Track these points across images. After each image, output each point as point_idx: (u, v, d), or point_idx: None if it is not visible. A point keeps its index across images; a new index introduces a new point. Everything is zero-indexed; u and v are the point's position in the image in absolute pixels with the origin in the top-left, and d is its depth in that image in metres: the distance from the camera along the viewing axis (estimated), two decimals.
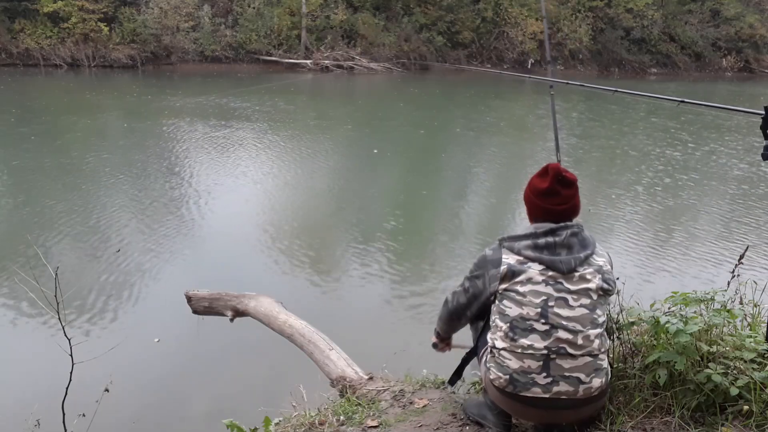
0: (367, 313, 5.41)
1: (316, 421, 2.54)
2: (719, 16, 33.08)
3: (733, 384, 2.11)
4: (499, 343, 2.11)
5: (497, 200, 9.27)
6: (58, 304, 2.50)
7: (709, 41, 32.85)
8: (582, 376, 2.03)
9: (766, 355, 2.22)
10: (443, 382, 2.78)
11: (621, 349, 2.44)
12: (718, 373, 2.12)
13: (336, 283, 5.99)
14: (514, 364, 2.07)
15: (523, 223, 2.26)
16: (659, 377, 2.21)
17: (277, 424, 2.60)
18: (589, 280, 2.07)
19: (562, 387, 2.03)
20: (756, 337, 2.34)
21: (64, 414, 2.55)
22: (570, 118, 16.08)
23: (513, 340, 2.07)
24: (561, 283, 2.06)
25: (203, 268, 6.18)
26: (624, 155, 12.36)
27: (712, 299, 2.34)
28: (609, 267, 2.16)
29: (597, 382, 2.05)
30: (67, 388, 2.56)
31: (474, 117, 16.74)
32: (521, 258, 2.10)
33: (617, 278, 2.28)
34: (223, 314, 3.89)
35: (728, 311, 2.34)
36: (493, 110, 18.23)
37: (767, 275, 5.77)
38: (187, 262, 6.36)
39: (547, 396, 2.03)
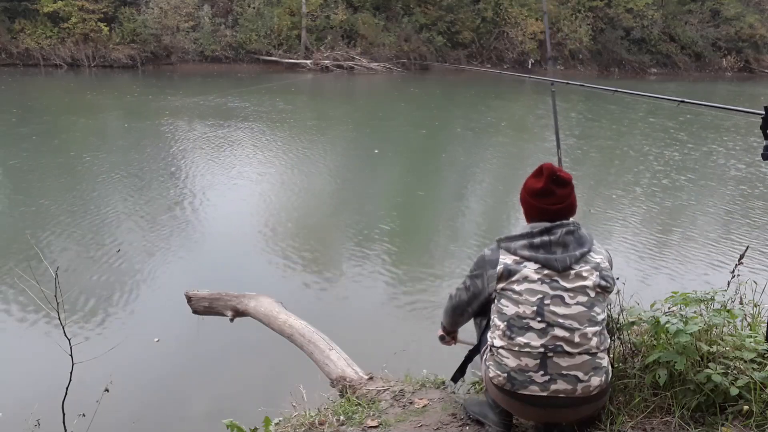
0: (367, 313, 5.41)
1: (316, 421, 2.54)
2: (719, 16, 33.09)
3: (733, 384, 2.12)
4: (498, 342, 2.12)
5: (497, 200, 9.27)
6: (58, 304, 2.50)
7: (709, 41, 32.86)
8: (580, 375, 2.03)
9: (766, 355, 2.22)
10: (443, 382, 2.79)
11: (621, 349, 2.44)
12: (718, 373, 2.13)
13: (336, 283, 5.99)
14: (511, 362, 2.08)
15: (522, 223, 2.27)
16: (659, 377, 2.21)
17: (277, 424, 2.60)
18: (585, 278, 2.08)
19: (560, 385, 2.03)
20: (756, 337, 2.34)
21: (64, 414, 2.55)
22: (569, 118, 16.08)
23: (510, 338, 2.08)
24: (557, 281, 2.06)
25: (203, 268, 6.18)
26: (623, 155, 12.36)
27: (712, 299, 2.34)
28: (607, 264, 2.16)
29: (596, 380, 2.05)
30: (67, 388, 2.56)
31: (474, 117, 16.74)
32: (517, 258, 2.12)
33: (617, 278, 2.28)
34: (223, 314, 3.89)
35: (728, 311, 2.34)
36: (494, 110, 18.23)
37: (767, 275, 5.77)
38: (187, 262, 6.36)
39: (544, 394, 2.04)
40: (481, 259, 2.22)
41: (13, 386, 4.12)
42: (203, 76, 23.30)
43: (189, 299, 3.98)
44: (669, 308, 2.41)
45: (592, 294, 2.08)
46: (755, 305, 2.63)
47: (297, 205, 8.58)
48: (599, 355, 2.07)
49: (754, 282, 2.74)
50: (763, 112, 2.04)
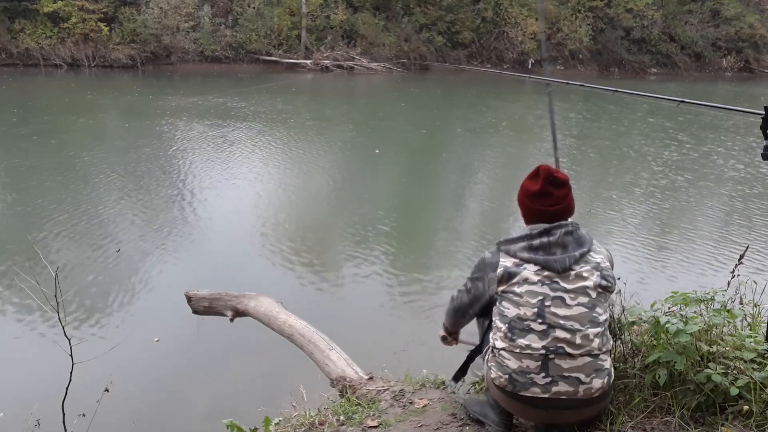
0: (367, 313, 5.41)
1: (316, 421, 2.54)
2: (719, 16, 33.08)
3: (733, 384, 2.12)
4: (499, 343, 2.12)
5: (498, 201, 9.26)
6: (58, 304, 2.50)
7: (709, 41, 32.85)
8: (582, 377, 2.03)
9: (766, 355, 2.22)
10: (443, 382, 2.79)
11: (621, 349, 2.44)
12: (718, 373, 2.13)
13: (336, 283, 5.99)
14: (513, 364, 2.08)
15: (521, 225, 2.27)
16: (659, 377, 2.21)
17: (277, 424, 2.60)
18: (585, 278, 2.07)
19: (562, 387, 2.02)
20: (756, 337, 2.34)
21: (64, 414, 2.55)
22: (569, 119, 16.08)
23: (511, 340, 2.08)
24: (557, 283, 2.06)
25: (203, 268, 6.18)
26: (623, 155, 12.36)
27: (712, 299, 2.34)
28: (608, 263, 2.15)
29: (598, 382, 2.04)
30: (67, 388, 2.57)
31: (475, 117, 16.74)
32: (517, 260, 2.11)
33: (618, 278, 2.28)
34: (223, 314, 3.89)
35: (728, 311, 2.34)
36: (494, 110, 18.22)
37: (767, 275, 5.77)
38: (187, 262, 6.36)
39: (546, 396, 2.03)
40: (481, 261, 2.22)
41: (13, 386, 4.11)
42: (203, 76, 23.30)
43: (189, 299, 3.99)
44: (669, 308, 2.41)
45: (593, 294, 2.07)
46: (755, 305, 2.63)
47: (297, 205, 8.58)
48: (601, 356, 2.06)
49: (754, 282, 2.74)
50: (763, 112, 2.04)
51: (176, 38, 25.13)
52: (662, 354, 2.23)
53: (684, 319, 2.22)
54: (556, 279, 2.07)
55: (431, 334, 2.61)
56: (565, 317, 2.03)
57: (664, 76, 31.26)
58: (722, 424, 2.11)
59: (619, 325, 2.40)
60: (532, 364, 2.04)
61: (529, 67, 29.12)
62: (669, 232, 7.73)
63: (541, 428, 2.21)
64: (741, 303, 2.63)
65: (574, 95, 19.36)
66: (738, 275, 2.66)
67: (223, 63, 25.61)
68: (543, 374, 2.03)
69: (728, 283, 2.65)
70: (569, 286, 2.06)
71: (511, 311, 2.09)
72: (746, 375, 2.13)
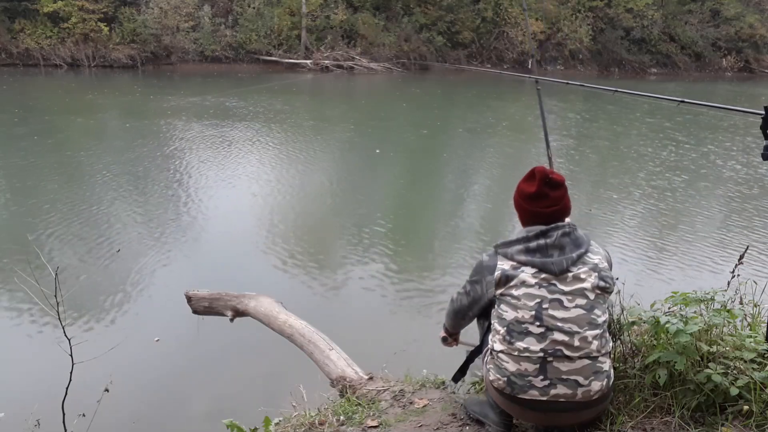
0: (367, 313, 5.41)
1: (316, 421, 2.54)
2: (719, 16, 33.07)
3: (733, 384, 2.11)
4: (498, 346, 2.13)
5: (498, 201, 9.26)
6: (58, 304, 2.50)
7: (709, 41, 32.84)
8: (580, 379, 2.02)
9: (766, 355, 2.22)
10: (443, 382, 2.79)
11: (621, 349, 2.44)
12: (718, 373, 2.13)
13: (336, 283, 5.99)
14: (511, 366, 2.08)
15: (520, 227, 2.27)
16: (659, 377, 2.21)
17: (277, 424, 2.60)
18: (583, 280, 2.07)
19: (560, 390, 2.02)
20: (756, 337, 2.34)
21: (64, 414, 2.55)
22: (568, 119, 16.09)
23: (510, 343, 2.08)
24: (554, 285, 2.06)
25: (203, 268, 6.18)
26: (623, 156, 12.36)
27: (712, 299, 2.34)
28: (606, 264, 2.15)
29: (597, 385, 2.04)
30: (67, 388, 2.56)
31: (476, 117, 16.74)
32: (514, 263, 2.11)
33: (617, 278, 2.28)
34: (223, 314, 3.89)
35: (728, 311, 2.34)
36: (494, 111, 18.22)
37: (767, 275, 5.77)
38: (187, 262, 6.36)
39: (544, 399, 2.04)
40: (479, 264, 2.22)
41: (13, 386, 4.11)
42: (203, 76, 23.30)
43: (189, 299, 3.99)
44: (669, 308, 2.41)
45: (592, 296, 2.07)
46: (755, 305, 2.63)
47: (297, 204, 8.58)
48: (600, 359, 2.06)
49: (754, 282, 2.74)
50: (763, 112, 2.04)
51: (176, 38, 25.12)
52: (662, 354, 2.22)
53: (684, 319, 2.22)
54: (554, 281, 2.06)
55: (431, 334, 2.61)
56: (563, 319, 2.03)
57: (664, 76, 31.25)
58: (722, 424, 2.11)
59: (618, 326, 2.40)
60: (531, 367, 2.04)
61: (529, 66, 29.09)
62: (669, 232, 7.73)
63: (540, 430, 2.21)
64: (741, 303, 2.63)
65: (573, 95, 19.35)
66: (738, 275, 2.66)
67: (223, 63, 25.61)
68: (541, 377, 2.03)
69: (728, 283, 2.65)
70: (567, 288, 2.06)
71: (509, 314, 2.09)
72: (746, 375, 2.13)
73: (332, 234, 7.47)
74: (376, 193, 9.46)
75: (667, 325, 2.19)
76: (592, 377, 2.04)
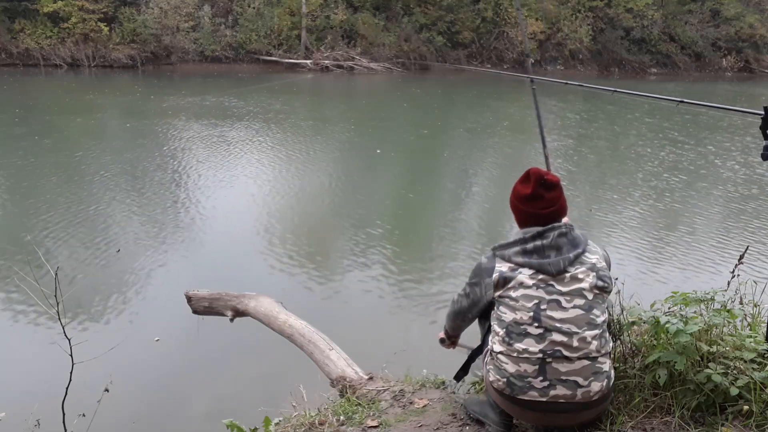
0: (367, 313, 5.41)
1: (316, 421, 2.54)
2: (719, 16, 33.07)
3: (733, 384, 2.11)
4: (497, 347, 2.13)
5: (499, 201, 9.25)
6: (58, 304, 2.50)
7: (709, 41, 32.84)
8: (580, 380, 2.02)
9: (766, 355, 2.22)
10: (443, 382, 2.79)
11: (621, 349, 2.44)
12: (718, 373, 2.12)
13: (336, 283, 5.99)
14: (510, 367, 2.08)
15: (517, 228, 2.27)
16: (659, 377, 2.21)
17: (277, 424, 2.60)
18: (581, 280, 2.07)
19: (560, 391, 2.02)
20: (756, 337, 2.34)
21: (64, 414, 2.55)
22: (567, 119, 16.09)
23: (509, 344, 2.08)
24: (552, 286, 2.06)
25: (203, 268, 6.18)
26: (622, 156, 12.36)
27: (712, 299, 2.34)
28: (604, 264, 2.15)
29: (596, 386, 2.04)
30: (67, 388, 2.56)
31: (476, 117, 16.74)
32: (512, 264, 2.12)
33: (616, 278, 2.28)
34: (223, 314, 3.89)
35: (728, 311, 2.34)
36: (495, 111, 18.22)
37: (767, 275, 5.77)
38: (187, 262, 6.36)
39: (544, 400, 2.04)
40: (478, 267, 2.23)
41: (13, 386, 4.11)
42: (203, 76, 23.30)
43: (189, 299, 3.99)
44: (669, 308, 2.41)
45: (590, 296, 2.07)
46: (755, 305, 2.63)
47: (297, 204, 8.58)
48: (600, 359, 2.06)
49: (754, 282, 2.73)
50: (763, 113, 2.04)
51: (176, 38, 25.13)
52: (662, 354, 2.22)
53: (684, 319, 2.22)
54: (551, 282, 2.06)
55: (431, 334, 2.61)
56: (561, 320, 2.03)
57: (664, 76, 31.25)
58: (722, 424, 2.11)
59: (618, 326, 2.40)
60: (530, 368, 2.04)
61: (525, 66, 29.09)
62: (668, 232, 7.73)
63: (540, 430, 2.22)
64: (741, 303, 2.63)
65: (572, 95, 19.35)
66: (738, 275, 2.66)
67: (223, 63, 25.61)
68: (540, 378, 2.03)
69: (728, 283, 2.65)
70: (564, 289, 2.06)
71: (508, 316, 2.09)
72: (746, 375, 2.13)
73: (332, 234, 7.47)
74: (377, 193, 9.46)
75: (667, 325, 2.19)
76: (592, 378, 2.04)
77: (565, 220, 2.21)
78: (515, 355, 2.06)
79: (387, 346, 4.37)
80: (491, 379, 2.15)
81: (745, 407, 2.11)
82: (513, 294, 2.09)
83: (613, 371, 2.14)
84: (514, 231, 2.23)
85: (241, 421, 2.43)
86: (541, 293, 2.05)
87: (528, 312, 2.05)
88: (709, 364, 2.17)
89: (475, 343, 2.47)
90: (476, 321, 2.45)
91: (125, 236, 6.93)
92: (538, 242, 2.10)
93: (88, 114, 15.07)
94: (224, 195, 8.74)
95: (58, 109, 15.98)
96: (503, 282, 2.11)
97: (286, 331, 3.41)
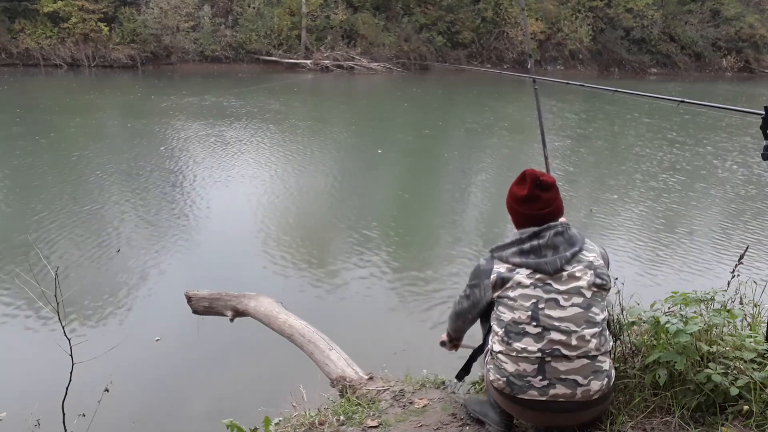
0: (367, 313, 5.41)
1: (316, 421, 2.54)
2: (719, 16, 33.07)
3: (733, 384, 2.11)
4: (497, 347, 2.14)
5: (499, 202, 9.25)
6: (58, 304, 2.50)
7: (709, 41, 32.84)
8: (579, 379, 2.02)
9: (766, 355, 2.22)
10: (443, 382, 2.79)
11: (621, 349, 2.44)
12: (718, 373, 2.12)
13: (336, 283, 5.99)
14: (510, 367, 2.08)
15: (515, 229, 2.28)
16: (659, 377, 2.21)
17: (277, 424, 2.60)
18: (579, 278, 2.07)
19: (559, 390, 2.02)
20: (756, 337, 2.34)
21: (64, 414, 2.55)
22: (567, 119, 16.08)
23: (508, 344, 2.09)
24: (549, 285, 2.06)
25: (203, 268, 6.18)
26: (622, 156, 12.36)
27: (712, 299, 2.34)
28: (602, 261, 2.15)
29: (596, 384, 2.04)
30: (67, 388, 2.57)
31: (477, 118, 16.74)
32: (510, 265, 2.13)
33: (616, 278, 2.28)
34: (223, 314, 3.89)
35: (728, 311, 2.34)
36: (495, 111, 18.22)
37: (767, 275, 5.77)
38: (187, 262, 6.36)
39: (543, 399, 2.04)
40: (477, 269, 2.25)
41: (13, 386, 4.11)
42: (203, 76, 23.31)
43: (189, 299, 3.99)
44: (669, 308, 2.41)
45: (588, 294, 2.07)
46: (755, 305, 2.63)
47: (298, 205, 8.58)
48: (599, 358, 2.05)
49: (754, 282, 2.74)
50: (763, 112, 2.04)
51: (176, 38, 25.13)
52: (662, 354, 2.22)
53: (684, 319, 2.22)
54: (549, 281, 2.07)
55: (431, 334, 2.62)
56: (559, 319, 2.03)
57: (664, 76, 31.25)
58: (722, 424, 2.11)
59: (618, 326, 2.40)
60: (529, 368, 2.04)
61: (529, 66, 29.07)
62: (669, 232, 7.73)
63: (541, 429, 2.22)
64: (741, 303, 2.63)
65: (572, 95, 19.34)
66: (738, 275, 2.66)
67: (223, 63, 25.61)
68: (540, 377, 2.03)
69: (728, 283, 2.65)
70: (562, 288, 2.06)
71: (507, 315, 2.10)
72: (746, 375, 2.13)
73: (333, 234, 7.47)
74: (378, 193, 9.46)
75: (667, 325, 2.19)
76: (591, 377, 2.04)
77: (561, 220, 2.21)
78: (514, 354, 2.07)
79: (387, 346, 4.37)
80: (491, 378, 2.16)
81: (745, 407, 2.11)
82: (511, 294, 2.09)
83: (613, 370, 2.14)
84: (512, 232, 2.23)
85: (241, 421, 2.43)
86: (538, 292, 2.06)
87: (526, 311, 2.06)
88: (709, 364, 2.17)
89: (478, 343, 2.47)
90: (478, 321, 2.45)
91: (125, 236, 6.93)
92: (535, 242, 2.11)
93: (89, 114, 15.07)
94: (225, 195, 8.74)
95: (58, 109, 15.98)
96: (501, 282, 2.12)
97: (286, 331, 3.41)
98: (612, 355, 2.26)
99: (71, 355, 2.55)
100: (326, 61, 26.46)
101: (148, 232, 7.11)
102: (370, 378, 2.92)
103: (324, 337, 3.28)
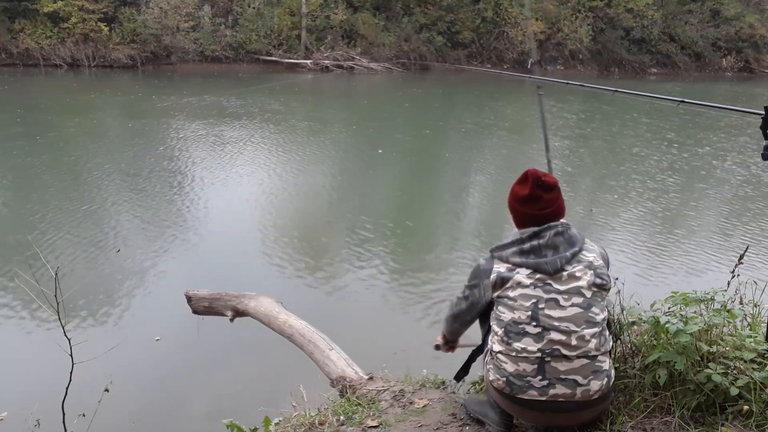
0: (367, 313, 5.41)
1: (316, 421, 2.54)
2: (719, 16, 33.06)
3: (733, 384, 2.11)
4: (496, 347, 2.13)
5: (501, 202, 9.26)
6: (58, 304, 2.50)
7: (709, 41, 32.83)
8: (579, 379, 2.02)
9: (766, 355, 2.22)
10: (443, 382, 2.79)
11: (621, 349, 2.44)
12: (718, 373, 2.12)
13: (336, 283, 5.99)
14: (510, 367, 2.08)
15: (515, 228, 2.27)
16: (659, 377, 2.21)
17: (277, 424, 2.60)
18: (579, 278, 2.07)
19: (559, 390, 2.02)
20: (756, 337, 2.34)
21: (64, 414, 2.55)
22: (566, 119, 16.07)
23: (508, 344, 2.09)
24: (549, 285, 2.06)
25: (203, 268, 6.18)
26: (621, 157, 12.35)
27: (712, 299, 2.34)
28: (601, 261, 2.15)
29: (596, 384, 2.04)
30: (67, 388, 2.57)
31: (478, 118, 16.73)
32: (510, 265, 2.12)
33: (617, 278, 2.27)
34: (223, 314, 3.89)
35: (728, 311, 2.34)
36: (496, 111, 18.22)
37: (767, 275, 5.77)
38: (187, 262, 6.36)
39: (543, 399, 2.04)
40: (476, 269, 2.24)
41: (13, 386, 4.12)
42: (203, 76, 23.30)
43: (189, 299, 3.99)
44: (669, 308, 2.41)
45: (588, 294, 2.07)
46: (755, 305, 2.63)
47: (298, 204, 8.59)
48: (599, 358, 2.05)
49: (754, 282, 2.74)
50: (763, 112, 2.04)
51: (176, 38, 25.12)
52: (662, 354, 2.22)
53: (684, 319, 2.22)
54: (549, 281, 2.06)
55: (431, 334, 2.61)
56: (559, 319, 2.03)
57: (664, 76, 31.25)
58: (722, 424, 2.11)
59: (618, 326, 2.40)
60: (529, 368, 2.04)
61: (529, 66, 29.10)
62: (669, 232, 7.73)
63: (540, 429, 2.22)
64: (741, 303, 2.63)
65: (572, 96, 19.34)
66: (738, 275, 2.66)
67: (223, 63, 25.60)
68: (540, 377, 2.03)
69: (728, 283, 2.65)
70: (562, 287, 2.06)
71: (507, 315, 2.10)
72: (746, 375, 2.13)
73: (333, 234, 7.47)
74: (378, 193, 9.46)
75: (667, 325, 2.19)
76: (591, 376, 2.04)
77: (561, 220, 2.21)
78: (514, 354, 2.07)
79: (387, 346, 4.37)
80: (491, 378, 2.16)
81: (745, 407, 2.11)
82: (511, 294, 2.09)
83: (613, 370, 2.14)
84: (512, 232, 2.23)
85: (241, 421, 2.43)
86: (538, 292, 2.06)
87: (526, 311, 2.06)
88: (709, 364, 2.17)
89: (476, 340, 2.47)
90: (477, 322, 2.45)
91: (125, 236, 6.93)
92: (535, 242, 2.11)
93: (89, 114, 15.08)
94: (225, 195, 8.74)
95: (58, 109, 15.99)
96: (501, 282, 2.11)
97: (286, 331, 3.41)
98: (612, 355, 2.26)
99: (71, 355, 2.55)
100: (326, 61, 26.46)
101: (148, 232, 7.11)
102: (370, 378, 2.92)
103: (324, 337, 3.28)
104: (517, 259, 2.11)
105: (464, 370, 2.53)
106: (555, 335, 2.02)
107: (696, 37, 32.46)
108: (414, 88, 22.63)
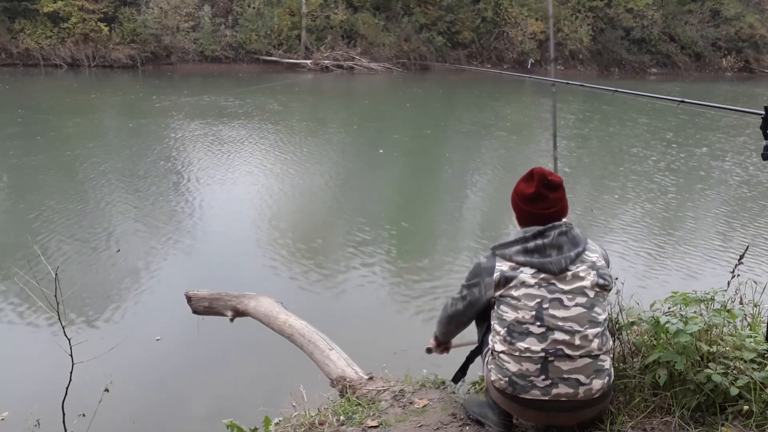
0: (367, 313, 5.41)
1: (316, 421, 2.54)
2: (719, 16, 33.07)
3: (733, 384, 2.11)
4: (498, 347, 2.13)
5: (501, 202, 9.26)
6: (58, 304, 2.50)
7: (709, 41, 32.85)
8: (581, 378, 2.03)
9: (766, 355, 2.22)
10: (443, 382, 2.79)
11: (621, 349, 2.44)
12: (718, 373, 2.12)
13: (336, 283, 5.99)
14: (512, 367, 2.08)
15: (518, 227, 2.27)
16: (659, 377, 2.21)
17: (277, 424, 2.60)
18: (582, 278, 2.07)
19: (562, 389, 2.02)
20: (756, 337, 2.34)
21: (64, 414, 2.55)
22: (567, 119, 16.07)
23: (511, 343, 2.08)
24: (554, 284, 2.06)
25: (203, 268, 6.18)
26: (623, 156, 12.35)
27: (712, 299, 2.34)
28: (603, 261, 2.15)
29: (598, 383, 2.04)
30: (67, 388, 2.56)
31: (479, 118, 16.74)
32: (513, 264, 2.11)
33: (617, 278, 2.27)
34: (223, 314, 3.89)
35: (728, 311, 2.34)
36: (496, 111, 18.22)
37: (767, 275, 5.77)
38: (187, 262, 6.36)
39: (546, 398, 2.04)
40: (477, 267, 2.21)
41: (13, 386, 4.11)
42: (203, 76, 23.30)
43: (189, 299, 3.99)
44: (669, 308, 2.41)
45: (591, 294, 2.07)
46: (755, 305, 2.63)
47: (298, 205, 8.58)
48: (601, 357, 2.06)
49: (754, 282, 2.74)
50: (763, 112, 2.04)
51: (176, 38, 25.13)
52: (662, 354, 2.22)
53: (684, 319, 2.22)
54: (553, 281, 2.06)
55: (431, 334, 2.61)
56: (563, 318, 2.03)
57: (664, 76, 31.25)
58: (722, 424, 2.11)
59: (617, 326, 2.40)
60: (532, 367, 2.04)
61: (529, 67, 29.12)
62: (668, 232, 7.73)
63: (541, 429, 2.21)
64: (741, 303, 2.63)
65: (571, 96, 19.34)
66: (738, 275, 2.66)
67: (223, 63, 25.61)
68: (543, 377, 2.03)
69: (728, 283, 2.65)
70: (567, 287, 2.06)
71: (510, 315, 2.09)
72: (746, 375, 2.13)
73: (333, 234, 7.47)
74: (378, 192, 9.46)
75: (667, 325, 2.19)
76: (594, 376, 2.04)
77: (564, 220, 2.21)
78: (517, 354, 2.06)
79: (387, 346, 4.36)
80: (493, 378, 2.15)
81: (745, 407, 2.11)
82: (515, 293, 2.08)
83: (613, 369, 2.14)
84: (514, 230, 2.23)
85: (241, 421, 2.42)
86: (543, 292, 2.05)
87: (530, 311, 2.05)
88: (709, 364, 2.17)
89: (469, 339, 2.46)
90: (473, 323, 2.44)
91: (125, 236, 6.92)
92: (539, 241, 2.10)
93: (89, 114, 15.08)
94: (225, 194, 8.74)
95: (58, 109, 15.98)
96: (504, 281, 2.10)
97: (286, 331, 3.41)
98: (612, 355, 2.26)
99: (71, 355, 2.55)
100: (326, 61, 26.46)
101: (148, 232, 7.11)
102: (370, 378, 2.92)
103: (324, 337, 3.28)
104: (521, 258, 2.10)
105: (462, 371, 2.52)
106: (559, 335, 2.02)
107: (696, 37, 32.47)
108: (414, 88, 22.63)
